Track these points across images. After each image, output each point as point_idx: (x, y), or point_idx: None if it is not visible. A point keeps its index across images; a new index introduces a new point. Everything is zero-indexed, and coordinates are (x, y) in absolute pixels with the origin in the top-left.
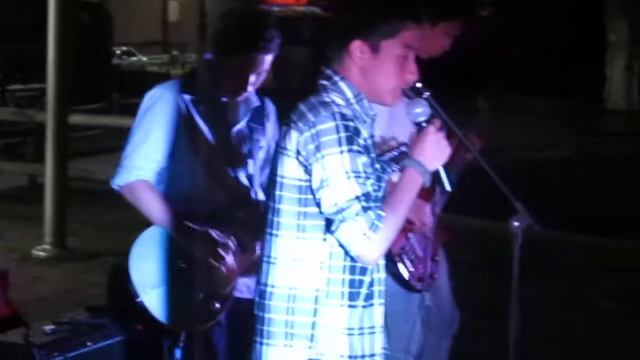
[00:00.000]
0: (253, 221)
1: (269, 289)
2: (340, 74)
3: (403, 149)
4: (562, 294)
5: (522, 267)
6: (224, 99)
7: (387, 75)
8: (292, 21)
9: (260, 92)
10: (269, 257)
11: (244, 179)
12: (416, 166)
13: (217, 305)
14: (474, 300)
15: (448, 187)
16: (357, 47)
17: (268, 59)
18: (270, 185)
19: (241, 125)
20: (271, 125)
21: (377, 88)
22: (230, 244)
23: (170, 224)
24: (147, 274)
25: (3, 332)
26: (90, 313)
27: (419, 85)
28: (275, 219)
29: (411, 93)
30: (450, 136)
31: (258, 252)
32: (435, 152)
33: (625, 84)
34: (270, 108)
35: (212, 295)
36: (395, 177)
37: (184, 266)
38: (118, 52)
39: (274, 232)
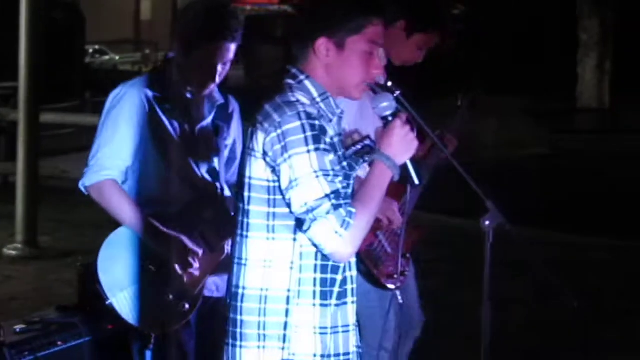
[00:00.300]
0: (220, 219)
1: (240, 290)
2: (306, 72)
3: (367, 142)
4: (534, 292)
5: (494, 265)
6: (189, 96)
7: (353, 71)
8: (265, 20)
9: (231, 90)
10: (240, 258)
11: (209, 177)
12: (384, 160)
13: (187, 305)
14: (448, 298)
15: (416, 181)
16: (323, 45)
17: (233, 47)
18: (239, 186)
19: (206, 122)
20: (235, 123)
21: (344, 84)
22: (199, 249)
23: (138, 225)
24: (116, 275)
25: None
26: (61, 312)
27: (389, 84)
28: (245, 220)
29: (378, 88)
30: (423, 136)
31: (226, 250)
32: (402, 146)
33: (597, 83)
34: (234, 105)
35: (182, 295)
36: (361, 172)
37: (153, 268)
38: (90, 50)
39: (244, 233)
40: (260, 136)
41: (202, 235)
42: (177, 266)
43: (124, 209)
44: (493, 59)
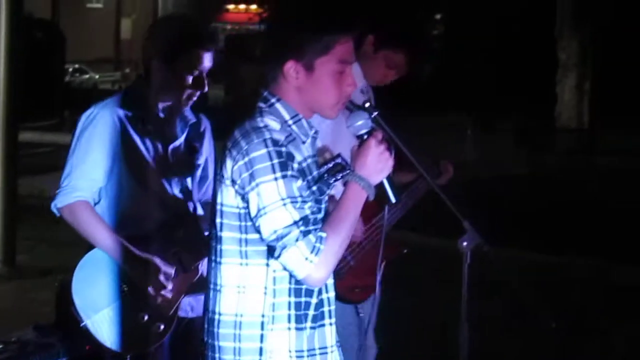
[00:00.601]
0: (193, 239)
1: (216, 316)
2: (277, 95)
3: (338, 160)
4: (512, 313)
5: (472, 286)
6: (162, 115)
7: (325, 92)
8: (245, 39)
9: (211, 109)
10: (215, 284)
11: (182, 197)
12: (358, 180)
13: (162, 326)
14: (426, 319)
15: (393, 199)
16: (291, 68)
17: (208, 57)
18: (212, 213)
19: (179, 142)
20: (207, 141)
21: (318, 105)
22: (171, 270)
23: (110, 247)
24: (90, 297)
25: None
26: (38, 332)
27: (367, 104)
28: (219, 246)
29: (352, 106)
30: (400, 156)
31: (200, 271)
32: (377, 165)
33: (576, 104)
34: (206, 123)
35: (157, 316)
36: (333, 191)
37: (127, 289)
38: (70, 69)
39: (218, 259)
40: (228, 163)
41: (176, 256)
42: (150, 288)
43: (96, 230)
44: (472, 78)
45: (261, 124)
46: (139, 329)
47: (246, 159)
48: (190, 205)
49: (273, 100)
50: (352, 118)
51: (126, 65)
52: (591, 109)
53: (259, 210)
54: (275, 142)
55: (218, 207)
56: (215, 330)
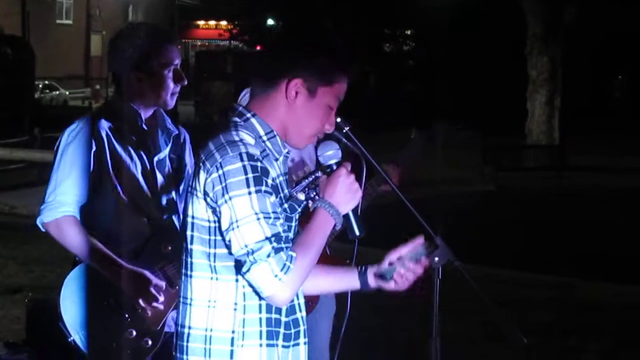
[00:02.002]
0: (179, 254)
1: (186, 330)
2: (253, 110)
3: (318, 174)
4: (483, 329)
5: (442, 302)
6: (145, 127)
7: (313, 120)
8: (215, 55)
9: (182, 125)
10: (185, 297)
11: (168, 210)
12: (328, 208)
13: (150, 342)
14: (396, 335)
15: (357, 232)
16: (295, 86)
17: (177, 51)
18: (183, 225)
19: (163, 154)
20: (188, 153)
21: (298, 130)
22: (161, 283)
23: (98, 261)
24: (78, 312)
25: None
26: (9, 349)
27: (338, 119)
28: (189, 259)
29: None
30: (366, 169)
31: None
32: (346, 195)
33: (546, 119)
34: (185, 135)
35: (144, 332)
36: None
37: (115, 304)
38: (40, 86)
39: (188, 272)
40: (202, 176)
41: (162, 271)
42: (141, 301)
43: (83, 244)
44: (443, 94)
45: (236, 138)
46: (126, 344)
47: (220, 171)
48: (176, 219)
49: (248, 115)
50: (323, 147)
51: (96, 82)
52: (561, 126)
53: (230, 224)
54: (251, 157)
55: (189, 219)
56: (185, 344)
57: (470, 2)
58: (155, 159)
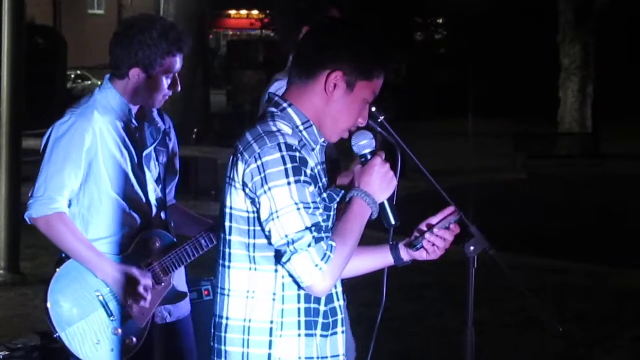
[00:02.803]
0: (166, 251)
1: (224, 321)
2: (289, 100)
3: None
4: (516, 318)
5: (477, 291)
6: (134, 122)
7: (349, 114)
8: (247, 45)
9: (214, 115)
10: (223, 289)
11: (156, 205)
12: (365, 197)
13: (135, 340)
14: (431, 324)
15: (393, 221)
16: (335, 79)
17: (181, 59)
18: (221, 216)
19: (150, 150)
20: (173, 142)
21: (333, 123)
22: (149, 282)
23: (87, 258)
24: (66, 309)
25: None
26: (43, 339)
27: (373, 109)
28: (227, 250)
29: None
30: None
31: (171, 283)
32: (382, 185)
33: (579, 107)
34: (169, 123)
35: (130, 330)
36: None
37: (103, 302)
38: (72, 76)
39: (227, 263)
40: (240, 167)
41: (151, 267)
42: (128, 299)
43: (73, 242)
44: (476, 83)
45: (274, 128)
46: (112, 342)
47: (259, 162)
48: (163, 215)
49: (285, 105)
50: (356, 137)
51: None
52: (594, 113)
53: (270, 214)
54: (289, 147)
55: (227, 210)
56: (223, 335)
57: None
58: (144, 153)
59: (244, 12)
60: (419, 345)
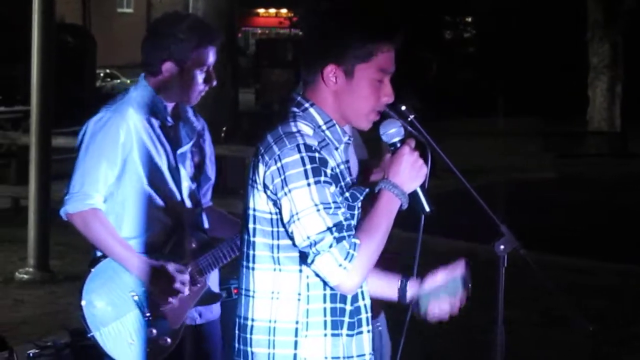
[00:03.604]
0: (202, 251)
1: (249, 322)
2: (311, 100)
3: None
4: (546, 316)
5: (505, 290)
6: (170, 119)
7: (362, 99)
8: (275, 44)
9: (243, 114)
10: (247, 290)
11: (191, 204)
12: (392, 189)
13: (169, 340)
14: (460, 322)
15: (427, 208)
16: (331, 72)
17: (214, 52)
18: (244, 217)
19: (185, 148)
20: (207, 146)
21: (353, 112)
22: (185, 278)
23: (122, 256)
24: (100, 309)
25: None
26: (73, 336)
27: (403, 108)
28: (251, 252)
29: (389, 112)
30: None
31: (207, 284)
32: (411, 173)
33: (607, 106)
34: (204, 124)
35: (164, 331)
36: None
37: (138, 301)
38: (101, 74)
39: (250, 265)
40: (261, 169)
41: (186, 267)
42: (163, 297)
43: (108, 239)
44: (505, 81)
45: (294, 129)
46: (146, 342)
47: (279, 164)
48: (198, 215)
49: (307, 105)
50: (384, 126)
51: None
52: (623, 112)
53: (291, 216)
54: (309, 148)
55: (250, 212)
56: (248, 336)
57: None
58: (179, 152)
59: (272, 10)
60: (446, 344)
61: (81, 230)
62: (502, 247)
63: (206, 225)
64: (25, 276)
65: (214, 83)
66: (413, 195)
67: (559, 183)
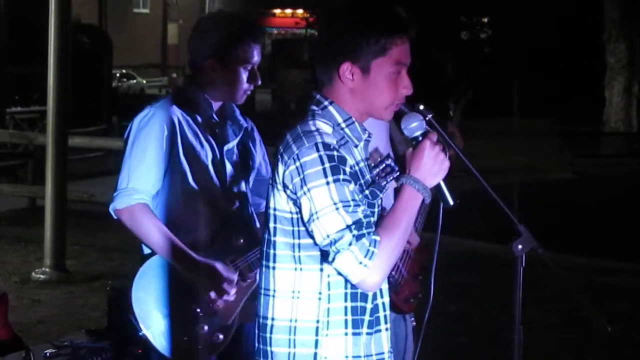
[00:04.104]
0: (250, 247)
1: (269, 322)
2: (330, 97)
3: (388, 162)
4: (565, 317)
5: (523, 290)
6: (215, 118)
7: (381, 93)
8: (292, 44)
9: (259, 114)
10: (267, 289)
11: (238, 202)
12: (414, 184)
13: (221, 336)
14: (478, 322)
15: (451, 202)
16: (347, 70)
17: (258, 49)
18: (265, 217)
19: (232, 145)
20: (259, 144)
21: (372, 107)
22: (233, 276)
23: (169, 251)
24: (150, 306)
25: (3, 356)
26: (90, 336)
27: (421, 107)
28: (272, 251)
29: (406, 109)
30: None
31: (256, 280)
32: (434, 167)
33: (624, 107)
34: (252, 126)
35: (216, 327)
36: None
37: (188, 298)
38: (117, 74)
39: (271, 264)
40: (280, 168)
41: (233, 264)
42: (212, 294)
43: (156, 234)
44: (521, 82)
45: (313, 128)
46: (198, 339)
47: (297, 163)
48: (246, 211)
49: (326, 103)
50: (406, 120)
51: (173, 70)
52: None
53: (311, 215)
54: (327, 146)
55: (271, 211)
56: (268, 335)
57: None
58: (225, 148)
59: (288, 10)
60: (465, 344)
61: (129, 225)
62: (520, 247)
63: (257, 223)
64: (42, 276)
65: (259, 82)
66: (437, 188)
67: (576, 183)
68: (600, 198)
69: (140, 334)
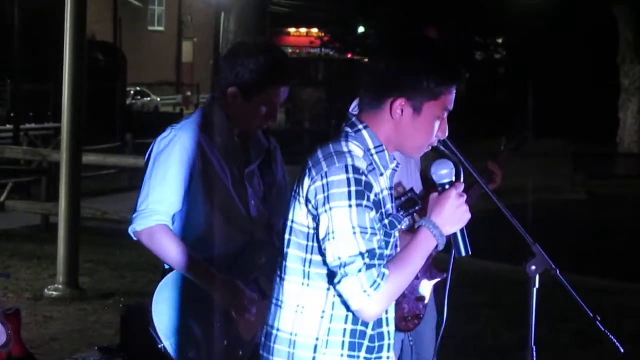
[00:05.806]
0: (272, 266)
1: (274, 331)
2: (365, 122)
3: (410, 195)
4: (575, 337)
5: (537, 310)
6: (237, 140)
7: (423, 134)
8: (306, 63)
9: (272, 132)
10: (277, 300)
11: (260, 222)
12: (432, 228)
13: (241, 352)
14: (490, 343)
15: (463, 253)
16: (400, 106)
17: (286, 91)
18: (283, 228)
19: (253, 166)
20: (279, 166)
21: (408, 144)
22: (254, 295)
23: (192, 270)
24: (171, 320)
25: None
26: (103, 354)
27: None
28: (284, 263)
29: (441, 147)
30: (464, 176)
31: None
32: (453, 217)
33: (638, 129)
34: (275, 145)
35: (236, 342)
36: (403, 225)
37: (208, 313)
38: (132, 92)
39: (282, 275)
40: (306, 182)
41: (256, 282)
42: (234, 312)
43: (177, 254)
44: (536, 103)
45: (345, 149)
46: (219, 354)
47: (325, 181)
48: (268, 232)
49: (360, 126)
50: (436, 166)
51: (187, 89)
52: None
53: (327, 234)
54: (357, 170)
55: (289, 223)
56: (272, 345)
57: (562, 10)
58: (246, 170)
59: (303, 30)
60: None
61: (149, 246)
62: (533, 267)
63: (278, 242)
64: (55, 293)
65: (276, 120)
66: (453, 237)
67: (590, 204)
68: (613, 219)
69: (160, 346)
